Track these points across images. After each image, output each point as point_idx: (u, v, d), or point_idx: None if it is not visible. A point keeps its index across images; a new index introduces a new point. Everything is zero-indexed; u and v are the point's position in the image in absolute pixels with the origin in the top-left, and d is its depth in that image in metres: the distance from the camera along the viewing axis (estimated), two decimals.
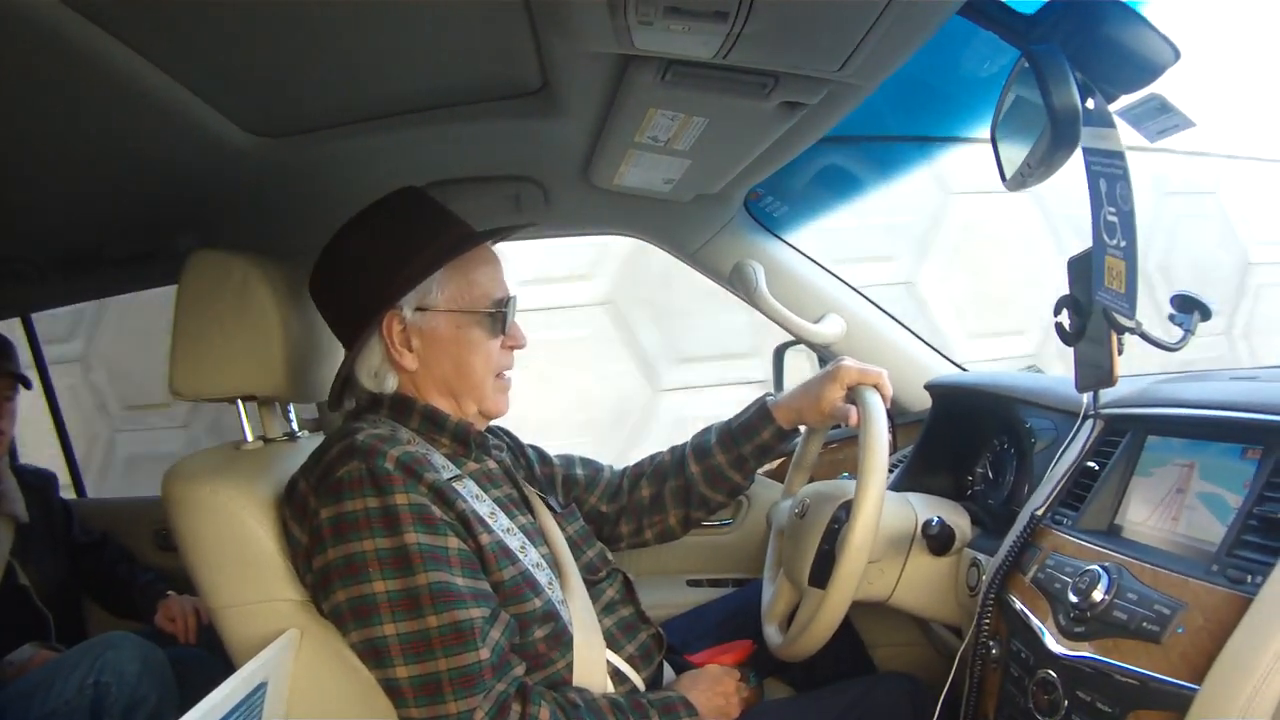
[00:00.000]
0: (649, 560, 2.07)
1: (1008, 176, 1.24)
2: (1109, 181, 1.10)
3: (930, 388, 1.93)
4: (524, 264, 4.44)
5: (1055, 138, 1.09)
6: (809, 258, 2.12)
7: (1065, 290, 1.31)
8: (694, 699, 1.40)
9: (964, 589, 1.46)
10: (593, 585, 1.50)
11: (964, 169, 4.93)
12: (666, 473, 1.73)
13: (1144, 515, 1.19)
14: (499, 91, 1.55)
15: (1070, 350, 1.32)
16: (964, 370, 2.10)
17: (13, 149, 1.49)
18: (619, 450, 4.47)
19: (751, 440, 1.67)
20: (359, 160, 1.74)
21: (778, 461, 2.13)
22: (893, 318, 2.13)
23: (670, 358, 4.87)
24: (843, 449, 2.15)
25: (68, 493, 2.60)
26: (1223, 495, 1.07)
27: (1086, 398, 1.36)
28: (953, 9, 1.08)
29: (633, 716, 1.32)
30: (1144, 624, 1.00)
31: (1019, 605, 1.24)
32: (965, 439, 1.79)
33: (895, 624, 1.80)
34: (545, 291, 4.57)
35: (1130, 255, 1.09)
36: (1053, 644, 1.12)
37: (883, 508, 1.34)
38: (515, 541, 1.37)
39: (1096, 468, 1.28)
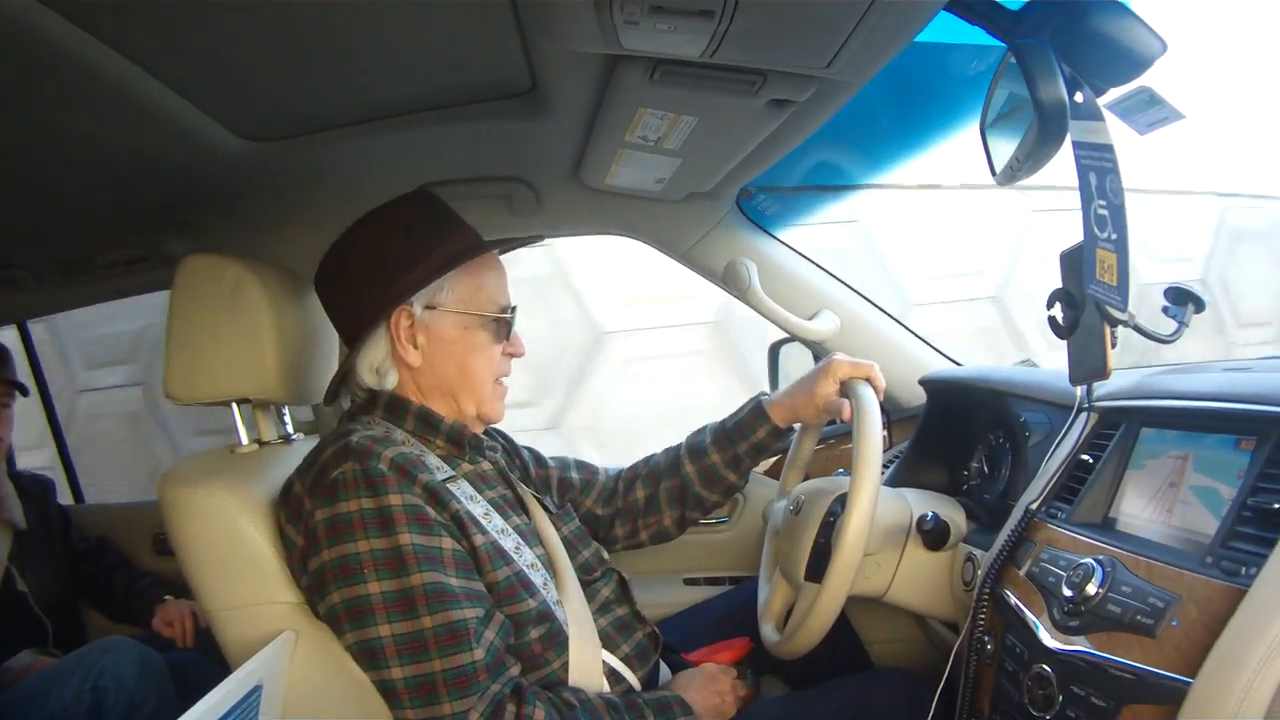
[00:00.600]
0: (645, 559, 2.07)
1: (997, 171, 1.24)
2: (1099, 175, 1.10)
3: (925, 383, 1.93)
4: (634, 285, 4.50)
5: (1043, 132, 1.09)
6: (802, 255, 2.12)
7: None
8: (690, 698, 1.40)
9: (959, 584, 1.46)
10: (588, 585, 1.50)
11: None
12: (661, 474, 1.74)
13: (1138, 508, 1.18)
14: (488, 93, 1.55)
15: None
16: (958, 365, 2.10)
17: (5, 156, 1.49)
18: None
19: (747, 439, 1.67)
20: (350, 164, 1.74)
21: (773, 460, 2.13)
22: (887, 313, 2.12)
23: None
24: (837, 446, 2.15)
25: (65, 498, 2.60)
26: (1216, 487, 1.06)
27: (1080, 391, 1.36)
28: (939, 5, 1.08)
29: (628, 716, 1.32)
30: (1138, 617, 1.00)
31: (1014, 600, 1.23)
32: (960, 434, 1.79)
33: (891, 620, 1.80)
34: (652, 311, 4.59)
35: (1122, 248, 1.09)
36: (1047, 638, 1.12)
37: (878, 499, 1.34)
38: (510, 542, 1.37)
39: (1090, 461, 1.28)
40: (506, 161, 1.86)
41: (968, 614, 1.31)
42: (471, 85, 1.52)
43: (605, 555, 1.63)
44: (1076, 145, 1.11)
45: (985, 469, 1.72)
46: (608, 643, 1.45)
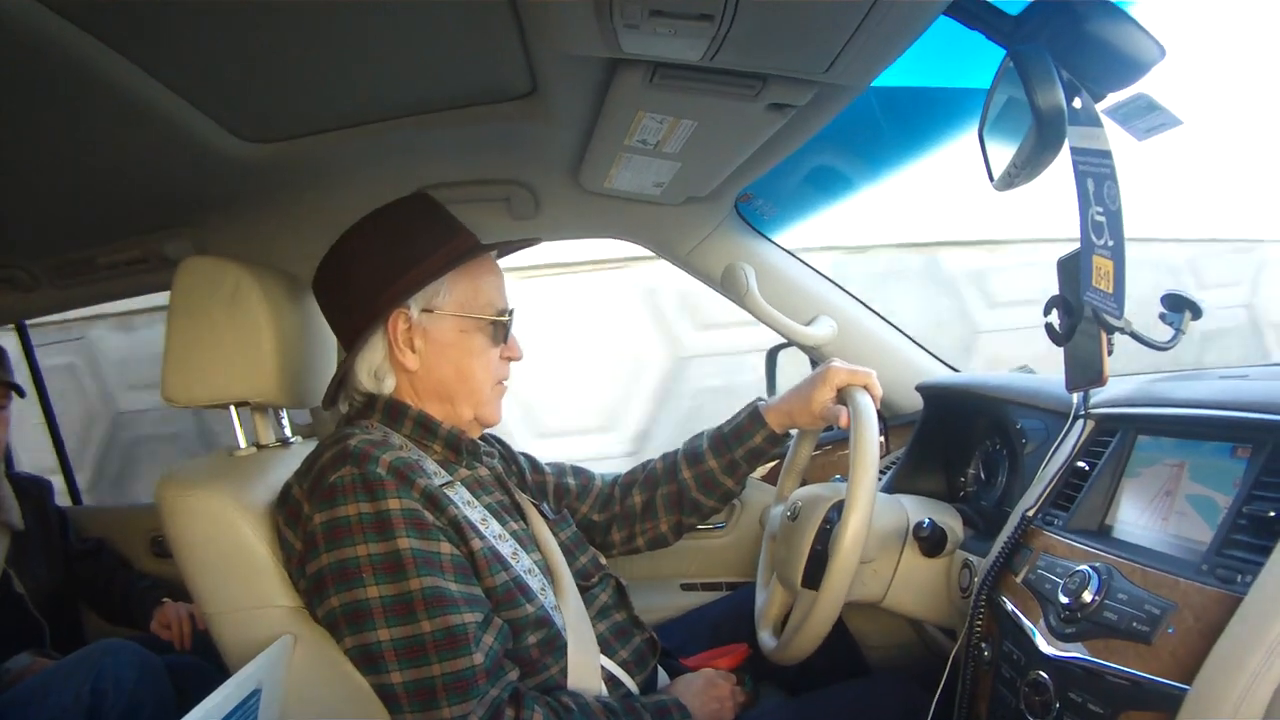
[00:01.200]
0: (643, 565, 2.07)
1: (995, 177, 1.24)
2: (1097, 181, 1.10)
3: (922, 389, 1.92)
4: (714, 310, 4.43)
5: (1041, 137, 1.09)
6: (800, 260, 2.12)
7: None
8: (688, 703, 1.40)
9: (956, 590, 1.46)
10: (586, 591, 1.50)
11: None
12: (658, 479, 1.73)
13: (1134, 515, 1.18)
14: (488, 96, 1.56)
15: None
16: (955, 371, 2.10)
17: (5, 157, 1.49)
18: None
19: (744, 444, 1.67)
20: (349, 165, 1.74)
21: (770, 466, 2.13)
22: (884, 319, 2.13)
23: None
24: (834, 452, 2.15)
25: (63, 500, 2.60)
26: (1212, 494, 1.07)
27: (1076, 398, 1.37)
28: (939, 9, 1.08)
29: None
30: (1134, 624, 1.00)
31: (1010, 606, 1.24)
32: (957, 440, 1.79)
33: (889, 626, 1.80)
34: (727, 336, 4.55)
35: (1118, 255, 1.09)
36: (1044, 645, 1.12)
37: (874, 506, 1.34)
38: (507, 548, 1.37)
39: (1087, 468, 1.28)
40: (505, 164, 1.87)
41: (965, 620, 1.31)
42: (471, 88, 1.53)
43: (602, 561, 1.63)
44: (1074, 151, 1.11)
45: (982, 476, 1.72)
46: (605, 648, 1.45)
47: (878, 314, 2.12)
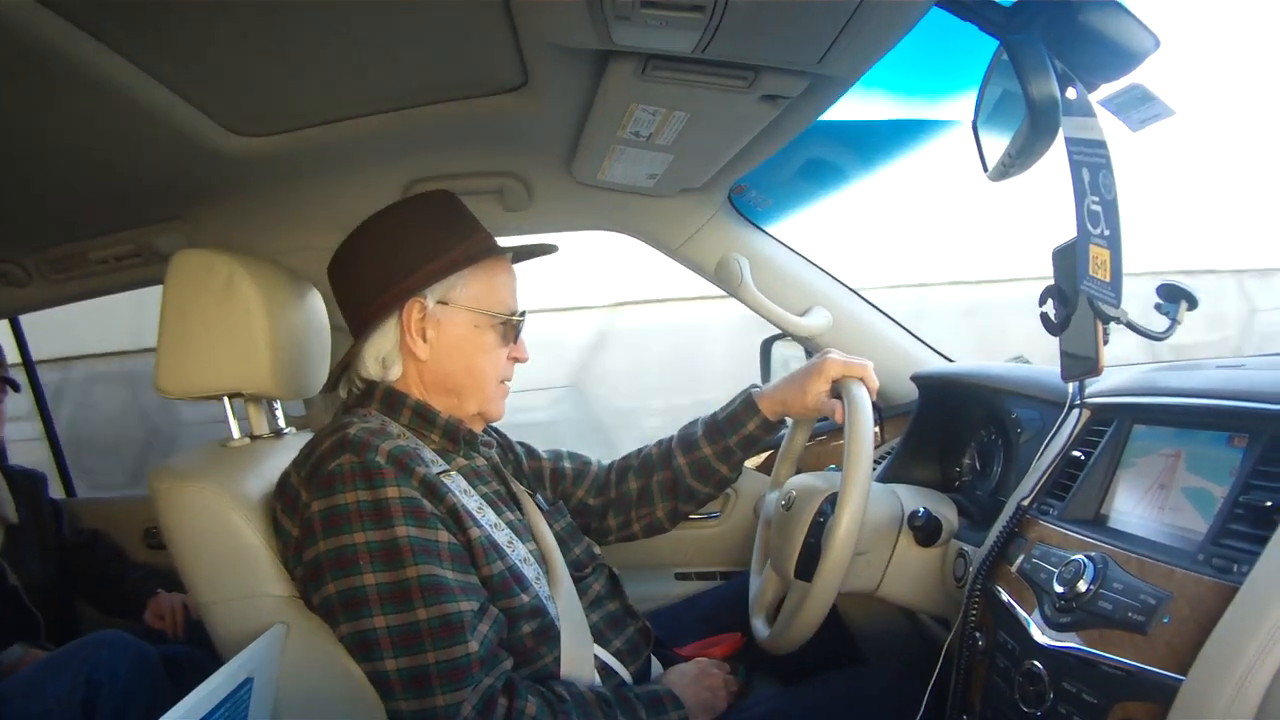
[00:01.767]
0: (637, 554, 2.07)
1: (989, 168, 1.23)
2: (1092, 170, 1.09)
3: (917, 379, 1.92)
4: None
5: (1035, 128, 1.09)
6: (794, 250, 2.12)
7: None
8: (681, 692, 1.40)
9: (951, 580, 1.46)
10: (579, 580, 1.50)
11: None
12: (654, 466, 1.73)
13: (1130, 505, 1.18)
14: (480, 88, 1.55)
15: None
16: (950, 361, 2.10)
17: None
18: None
19: (737, 432, 1.67)
20: (341, 158, 1.74)
21: (765, 454, 2.13)
22: (879, 310, 2.12)
23: None
24: (829, 442, 2.15)
25: (57, 492, 2.60)
26: (1208, 485, 1.06)
27: (1072, 387, 1.36)
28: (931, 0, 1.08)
29: (619, 711, 1.33)
30: (1130, 614, 1.00)
31: (1005, 596, 1.24)
32: (952, 430, 1.79)
33: (883, 615, 1.80)
34: None
35: (1115, 244, 1.09)
36: (1038, 635, 1.12)
37: (868, 502, 1.34)
38: (503, 537, 1.37)
39: (1082, 457, 1.28)
40: (498, 157, 1.86)
41: (959, 610, 1.31)
42: (463, 81, 1.52)
43: (596, 551, 1.63)
44: (1069, 141, 1.10)
45: (977, 465, 1.72)
46: (599, 637, 1.45)
47: (872, 304, 2.12)
